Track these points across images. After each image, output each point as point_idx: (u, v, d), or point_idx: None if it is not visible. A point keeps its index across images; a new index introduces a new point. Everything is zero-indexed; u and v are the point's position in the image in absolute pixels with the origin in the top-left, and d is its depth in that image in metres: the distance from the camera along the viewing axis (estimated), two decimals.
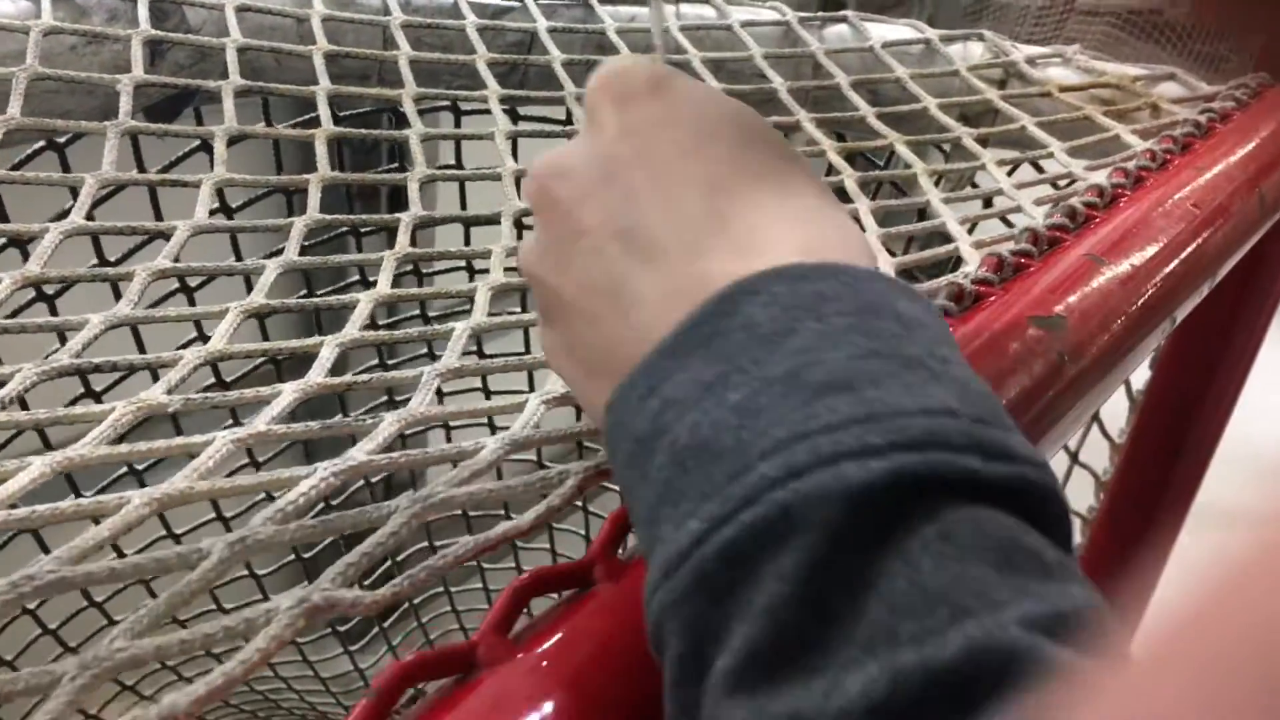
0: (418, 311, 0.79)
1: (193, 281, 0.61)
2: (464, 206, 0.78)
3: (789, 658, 0.21)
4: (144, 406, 0.34)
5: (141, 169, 0.64)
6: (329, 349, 0.38)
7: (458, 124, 0.78)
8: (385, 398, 0.90)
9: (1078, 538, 0.93)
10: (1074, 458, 0.92)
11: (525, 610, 0.27)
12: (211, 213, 0.49)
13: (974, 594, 0.20)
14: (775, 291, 0.25)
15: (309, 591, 0.25)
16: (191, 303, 0.59)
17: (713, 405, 0.24)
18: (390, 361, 0.87)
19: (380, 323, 0.84)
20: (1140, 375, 0.84)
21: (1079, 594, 0.21)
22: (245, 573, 0.90)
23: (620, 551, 0.28)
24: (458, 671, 0.24)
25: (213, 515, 0.82)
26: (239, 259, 0.63)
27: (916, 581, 0.21)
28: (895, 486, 0.21)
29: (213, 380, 0.65)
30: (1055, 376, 0.40)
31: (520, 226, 0.53)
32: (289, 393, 0.35)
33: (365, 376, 0.37)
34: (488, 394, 0.78)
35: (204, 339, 0.42)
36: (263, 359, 0.40)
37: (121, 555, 0.65)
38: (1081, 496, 0.91)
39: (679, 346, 0.26)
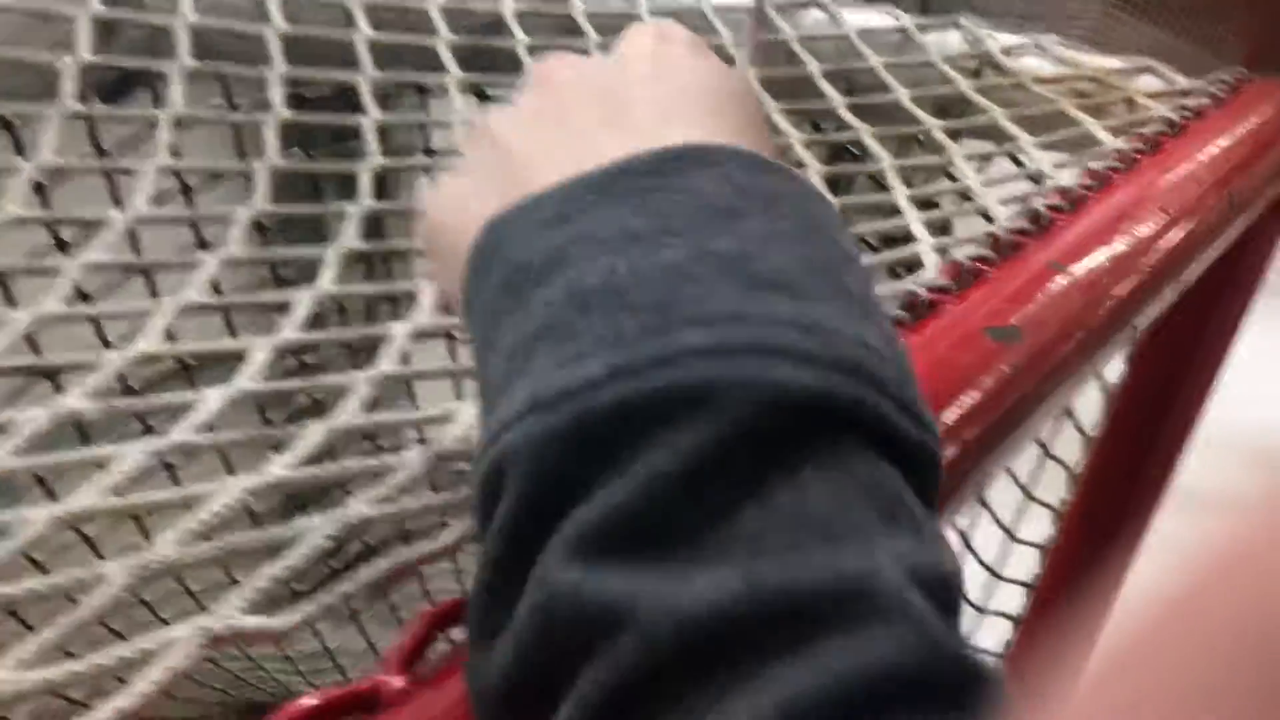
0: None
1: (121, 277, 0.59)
2: None
3: (647, 536, 0.20)
4: (61, 412, 0.32)
5: (98, 150, 0.63)
6: (262, 351, 0.37)
7: (425, 109, 0.77)
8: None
9: (1049, 530, 0.93)
10: (1046, 450, 0.91)
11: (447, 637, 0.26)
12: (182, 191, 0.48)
13: (853, 530, 0.20)
14: (731, 172, 0.24)
15: (211, 620, 0.24)
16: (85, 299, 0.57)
17: (639, 255, 0.22)
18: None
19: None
20: (1115, 368, 0.83)
21: (948, 561, 0.21)
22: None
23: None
24: (360, 712, 0.24)
25: None
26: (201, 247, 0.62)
27: (801, 503, 0.20)
28: (821, 404, 0.21)
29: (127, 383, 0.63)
30: (1010, 390, 0.39)
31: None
32: (213, 399, 0.34)
33: (294, 383, 0.35)
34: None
35: (105, 343, 0.41)
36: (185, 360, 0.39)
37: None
38: (1053, 489, 0.91)
39: (611, 185, 0.24)
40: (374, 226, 0.77)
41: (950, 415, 0.36)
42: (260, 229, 0.69)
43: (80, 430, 0.67)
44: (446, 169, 0.30)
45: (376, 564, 0.27)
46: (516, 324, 0.23)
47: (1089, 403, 0.85)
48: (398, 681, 0.24)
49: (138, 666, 0.24)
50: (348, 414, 0.33)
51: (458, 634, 0.27)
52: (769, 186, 0.25)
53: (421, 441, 0.33)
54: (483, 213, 0.25)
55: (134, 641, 0.24)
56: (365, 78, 0.58)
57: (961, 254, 0.44)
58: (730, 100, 0.28)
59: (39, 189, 0.52)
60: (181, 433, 0.32)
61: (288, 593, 0.27)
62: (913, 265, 0.47)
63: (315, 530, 0.26)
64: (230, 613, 0.24)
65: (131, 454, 0.30)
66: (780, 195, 0.25)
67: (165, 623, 0.23)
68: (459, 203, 0.28)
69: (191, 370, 0.66)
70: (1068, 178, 0.52)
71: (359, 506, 0.27)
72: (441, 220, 0.28)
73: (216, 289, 0.66)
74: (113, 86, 0.65)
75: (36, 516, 0.26)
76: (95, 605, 0.25)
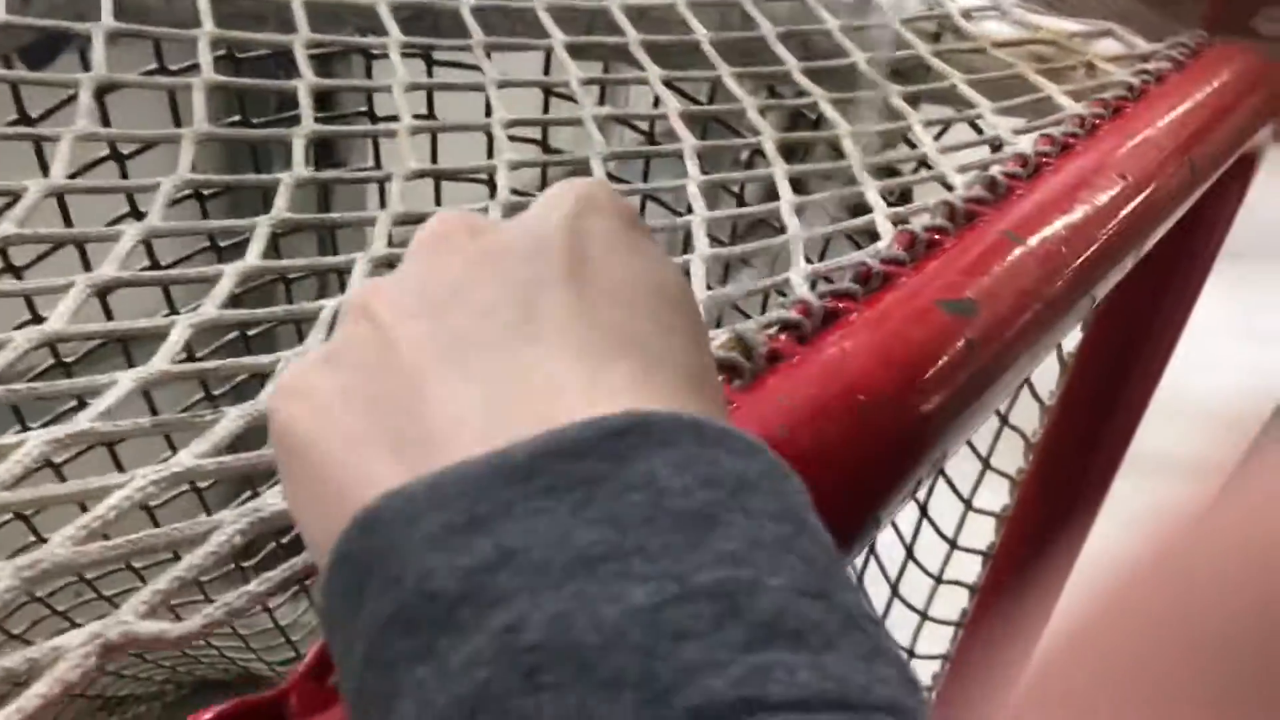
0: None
1: (43, 248, 0.57)
2: (378, 163, 0.74)
3: None
4: None
5: (23, 115, 0.60)
6: (179, 330, 0.35)
7: (369, 74, 0.74)
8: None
9: (1006, 499, 0.93)
10: (1004, 420, 0.91)
11: None
12: (84, 171, 0.46)
13: None
14: (689, 450, 0.19)
15: (104, 626, 0.22)
16: (18, 276, 0.54)
17: (600, 596, 0.16)
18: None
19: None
20: (1072, 337, 0.83)
21: None
22: None
23: None
24: None
25: None
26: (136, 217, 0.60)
27: None
28: None
29: (52, 362, 0.61)
30: (965, 364, 0.38)
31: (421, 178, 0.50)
32: (125, 381, 0.32)
33: (215, 363, 0.33)
34: None
35: (38, 320, 0.39)
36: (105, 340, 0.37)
37: None
38: (1010, 458, 0.90)
39: (539, 472, 0.18)
40: (322, 194, 0.75)
41: (904, 392, 0.35)
42: (200, 199, 0.67)
43: (17, 414, 0.65)
44: (311, 349, 0.25)
45: (291, 562, 0.25)
46: (427, 690, 0.16)
47: (1046, 371, 0.85)
48: (307, 691, 0.22)
49: (25, 678, 0.22)
50: (267, 396, 0.31)
51: None
52: (736, 469, 0.19)
53: None
54: (352, 437, 0.20)
55: (20, 651, 0.22)
56: (300, 40, 0.56)
57: (916, 224, 0.42)
58: (674, 311, 0.23)
59: None
60: (86, 419, 0.30)
61: (197, 592, 0.25)
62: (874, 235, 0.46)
63: (224, 527, 0.25)
64: (126, 618, 0.22)
65: (31, 442, 0.28)
66: (749, 480, 0.19)
67: (76, 625, 0.21)
68: (323, 411, 0.22)
69: (127, 343, 0.64)
70: (1026, 144, 0.50)
71: (272, 500, 0.25)
72: (297, 430, 0.22)
73: (153, 258, 0.63)
74: (35, 50, 0.62)
75: None
76: None
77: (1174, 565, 0.15)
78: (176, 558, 0.25)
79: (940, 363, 0.36)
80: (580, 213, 0.24)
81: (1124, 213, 0.47)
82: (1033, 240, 0.42)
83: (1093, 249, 0.45)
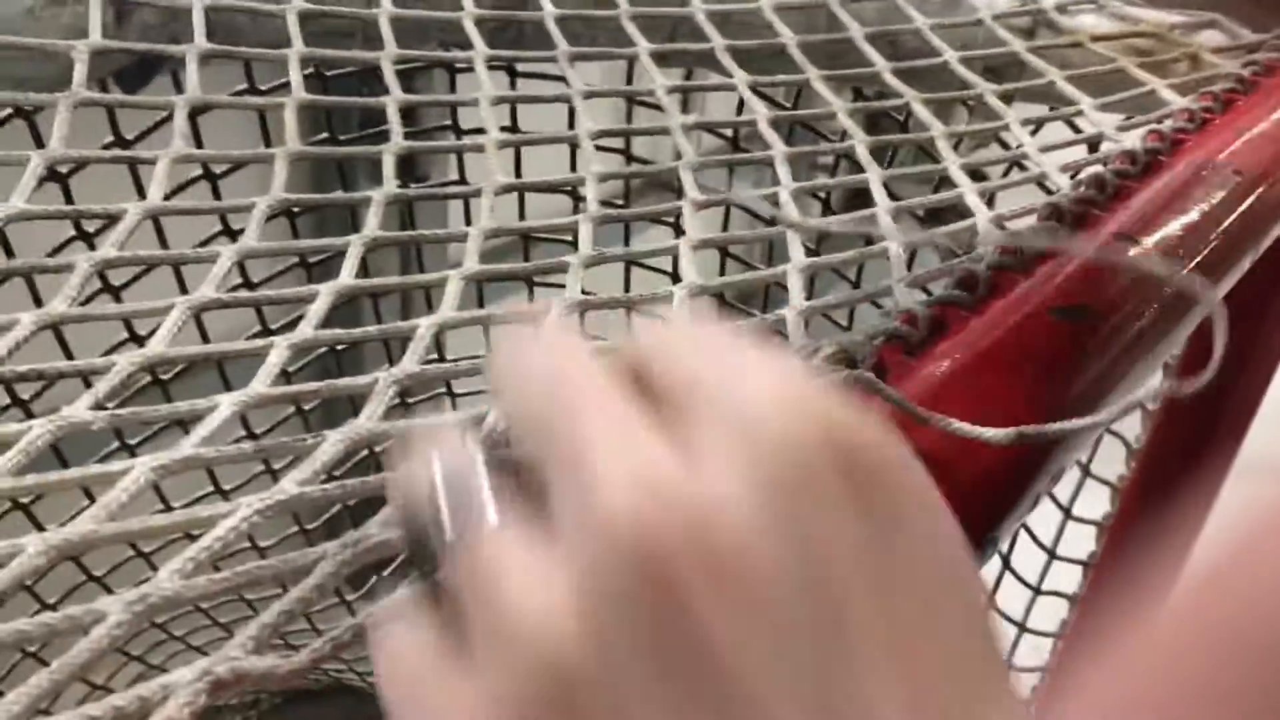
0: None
1: (134, 270, 0.57)
2: (463, 178, 0.74)
3: None
4: (65, 424, 0.31)
5: (118, 137, 0.61)
6: (278, 352, 0.35)
7: (453, 87, 0.74)
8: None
9: (1106, 506, 0.90)
10: (1111, 432, 0.88)
11: None
12: (177, 191, 0.46)
13: None
14: None
15: (212, 663, 0.22)
16: (117, 298, 0.55)
17: None
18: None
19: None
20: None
21: None
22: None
23: None
24: None
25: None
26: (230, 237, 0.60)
27: None
28: None
29: (149, 380, 0.61)
30: (1080, 373, 0.36)
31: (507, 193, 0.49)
32: (226, 405, 0.32)
33: (313, 385, 0.33)
34: (454, 402, 0.75)
35: (137, 339, 0.39)
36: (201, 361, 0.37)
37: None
38: (1110, 465, 0.87)
39: None
40: (406, 211, 0.75)
41: (1018, 403, 0.33)
42: (290, 216, 0.67)
43: (117, 433, 0.66)
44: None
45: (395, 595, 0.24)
46: None
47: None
48: None
49: (136, 717, 0.22)
50: (365, 419, 0.31)
51: None
52: None
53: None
54: None
55: (130, 690, 0.22)
56: (387, 55, 0.56)
57: (1023, 228, 0.41)
58: (975, 590, 0.18)
59: (57, 179, 0.50)
60: (190, 444, 0.29)
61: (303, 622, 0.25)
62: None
63: (328, 559, 0.24)
64: (234, 653, 0.22)
65: (138, 469, 0.28)
66: None
67: (153, 667, 0.21)
68: None
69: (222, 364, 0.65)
70: (1134, 141, 0.48)
71: (373, 530, 0.25)
72: None
73: (246, 279, 0.64)
74: (130, 74, 0.63)
75: (28, 546, 0.24)
76: (91, 647, 0.23)
77: (1246, 580, 0.14)
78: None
79: (1054, 372, 0.35)
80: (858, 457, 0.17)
81: (1240, 209, 0.45)
82: (1147, 242, 0.40)
83: (1209, 249, 0.43)
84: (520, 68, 0.67)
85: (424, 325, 0.37)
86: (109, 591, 0.71)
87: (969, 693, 0.16)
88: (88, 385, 0.33)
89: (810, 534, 0.16)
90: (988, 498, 0.31)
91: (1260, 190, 0.47)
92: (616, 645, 0.15)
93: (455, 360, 0.40)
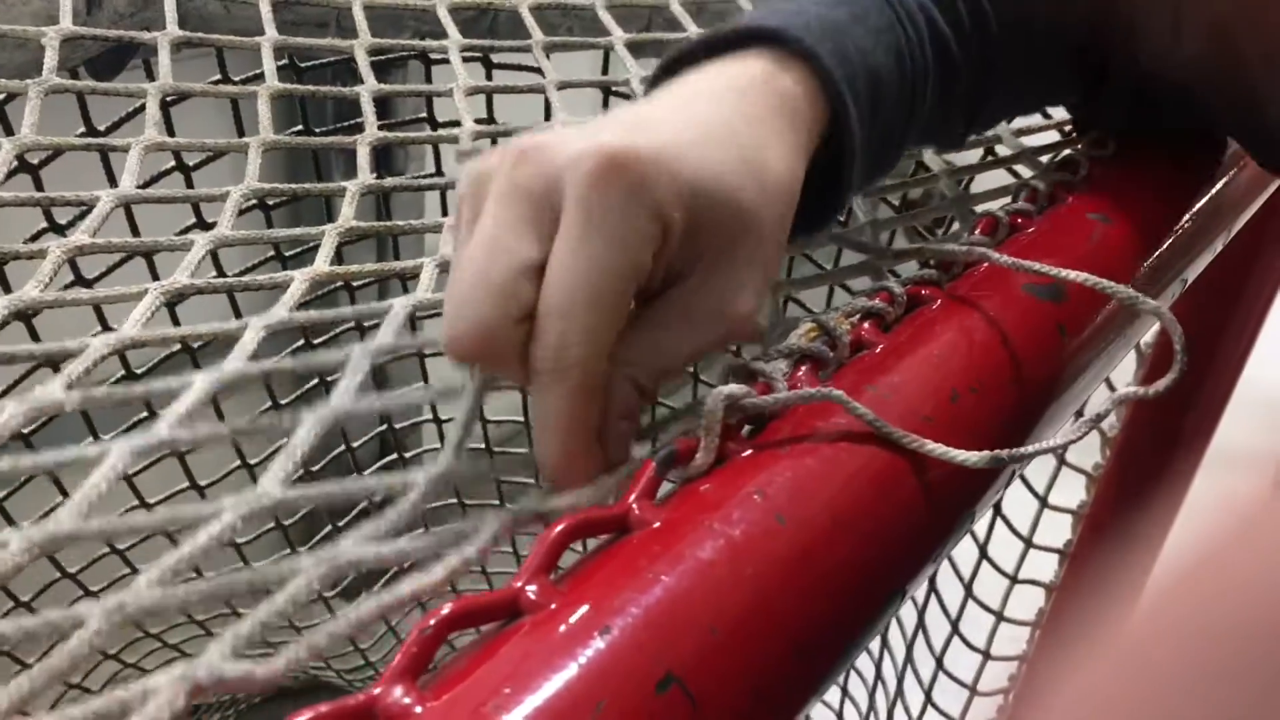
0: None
1: (111, 259, 0.57)
2: (439, 169, 0.74)
3: None
4: (38, 405, 0.30)
5: (89, 126, 0.61)
6: (253, 332, 0.34)
7: (429, 78, 0.74)
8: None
9: (1083, 495, 0.90)
10: (1078, 414, 0.88)
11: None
12: (150, 184, 0.46)
13: None
14: None
15: (192, 667, 0.22)
16: (88, 284, 0.54)
17: None
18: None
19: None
20: (1152, 331, 0.80)
21: None
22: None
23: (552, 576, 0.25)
24: None
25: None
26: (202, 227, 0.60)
27: None
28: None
29: (123, 374, 0.61)
30: (1054, 349, 0.36)
31: None
32: (201, 383, 0.31)
33: (289, 363, 0.33)
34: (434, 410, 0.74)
35: (107, 329, 0.39)
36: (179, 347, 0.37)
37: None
38: (1087, 454, 0.88)
39: None
40: (382, 204, 0.75)
41: (994, 379, 0.33)
42: (264, 210, 0.67)
43: (85, 417, 0.65)
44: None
45: (365, 601, 0.24)
46: None
47: (1124, 364, 0.82)
48: (399, 695, 0.21)
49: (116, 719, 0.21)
50: (339, 397, 0.30)
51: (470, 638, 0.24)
52: None
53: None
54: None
55: (109, 693, 0.21)
56: (361, 45, 0.56)
57: (999, 209, 0.41)
58: None
59: (28, 170, 0.50)
60: (165, 425, 0.29)
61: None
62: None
63: (304, 573, 0.24)
64: (213, 659, 0.22)
65: (114, 454, 0.28)
66: None
67: (130, 665, 0.21)
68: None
69: (194, 353, 0.64)
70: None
71: (350, 548, 0.25)
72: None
73: (220, 269, 0.63)
74: (102, 63, 0.62)
75: (10, 543, 0.24)
76: (71, 652, 0.22)
77: (1220, 572, 0.14)
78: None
79: (1031, 349, 0.35)
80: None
81: (1214, 190, 0.46)
82: (1119, 221, 0.41)
83: (1182, 228, 0.43)
84: (496, 59, 0.67)
85: (398, 304, 0.37)
86: (83, 588, 0.70)
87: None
88: (56, 371, 0.33)
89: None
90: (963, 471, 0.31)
91: (1233, 173, 0.48)
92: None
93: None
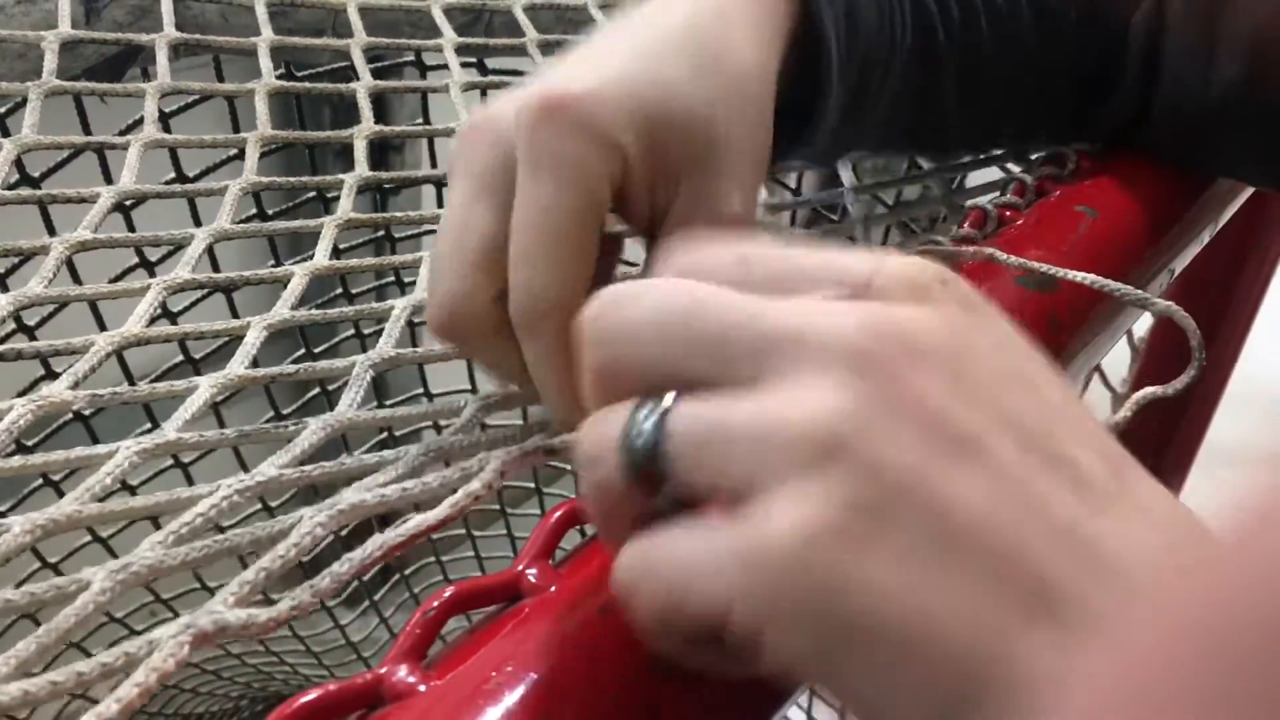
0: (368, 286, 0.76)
1: (111, 267, 0.57)
2: (434, 166, 0.75)
3: None
4: (45, 403, 0.31)
5: (87, 131, 0.61)
6: (255, 332, 0.35)
7: (423, 78, 0.74)
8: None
9: None
10: None
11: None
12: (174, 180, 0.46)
13: None
14: None
15: (195, 617, 0.22)
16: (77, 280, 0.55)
17: None
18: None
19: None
20: (1143, 322, 0.81)
21: None
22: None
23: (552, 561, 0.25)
24: (361, 707, 0.22)
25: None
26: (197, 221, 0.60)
27: None
28: None
29: (126, 383, 0.61)
30: (1047, 341, 0.37)
31: None
32: (205, 386, 0.32)
33: (291, 368, 0.34)
34: (429, 394, 0.74)
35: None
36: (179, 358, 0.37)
37: None
38: None
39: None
40: (380, 204, 0.76)
41: None
42: (261, 211, 0.67)
43: (88, 428, 0.65)
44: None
45: (372, 541, 0.25)
46: None
47: (1117, 357, 0.83)
48: (404, 674, 0.22)
49: (121, 671, 0.22)
50: (346, 406, 0.31)
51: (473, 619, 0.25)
52: None
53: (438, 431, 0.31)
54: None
55: (118, 646, 0.22)
56: (356, 44, 0.56)
57: (987, 202, 0.41)
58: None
59: (30, 182, 0.50)
60: (171, 428, 0.30)
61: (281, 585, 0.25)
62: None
63: (304, 521, 0.24)
64: (216, 608, 0.22)
65: (121, 453, 0.28)
66: None
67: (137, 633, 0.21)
68: (900, 599, 0.18)
69: (193, 353, 0.65)
70: None
71: (350, 494, 0.25)
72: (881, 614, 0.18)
73: (217, 268, 0.64)
74: (101, 69, 0.63)
75: (17, 525, 0.25)
76: (77, 613, 0.23)
77: (1234, 566, 0.14)
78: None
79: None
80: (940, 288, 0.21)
81: (1201, 181, 0.46)
82: (1106, 213, 0.41)
83: (1169, 220, 0.44)
84: (491, 64, 0.67)
85: (399, 305, 0.37)
86: None
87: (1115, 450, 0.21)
88: (54, 375, 0.33)
89: (960, 335, 0.20)
90: None
91: None
92: (873, 417, 0.19)
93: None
